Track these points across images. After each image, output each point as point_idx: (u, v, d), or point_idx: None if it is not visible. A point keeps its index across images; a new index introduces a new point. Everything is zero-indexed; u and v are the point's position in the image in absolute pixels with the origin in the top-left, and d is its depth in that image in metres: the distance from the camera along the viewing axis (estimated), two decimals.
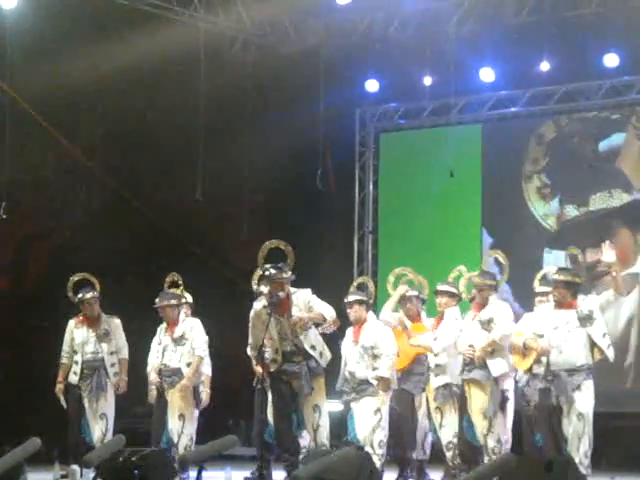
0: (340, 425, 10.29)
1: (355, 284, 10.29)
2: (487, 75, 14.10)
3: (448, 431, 9.56)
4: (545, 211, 14.17)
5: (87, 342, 10.71)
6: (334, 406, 11.39)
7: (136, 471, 7.83)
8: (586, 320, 8.84)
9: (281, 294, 9.41)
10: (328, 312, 9.45)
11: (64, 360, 10.79)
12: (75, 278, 10.76)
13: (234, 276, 12.66)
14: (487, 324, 9.29)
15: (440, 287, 9.85)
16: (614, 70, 13.47)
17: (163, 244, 14.17)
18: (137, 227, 14.17)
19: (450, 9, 13.68)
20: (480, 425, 9.18)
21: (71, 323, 10.84)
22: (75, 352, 10.73)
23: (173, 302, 10.31)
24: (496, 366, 9.21)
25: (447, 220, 14.56)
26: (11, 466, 7.98)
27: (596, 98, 13.86)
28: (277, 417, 9.54)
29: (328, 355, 9.61)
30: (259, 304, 9.56)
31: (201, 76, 13.36)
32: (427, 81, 14.40)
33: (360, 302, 9.83)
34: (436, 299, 9.91)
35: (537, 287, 9.97)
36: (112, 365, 10.70)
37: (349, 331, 9.93)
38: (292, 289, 9.52)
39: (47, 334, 11.03)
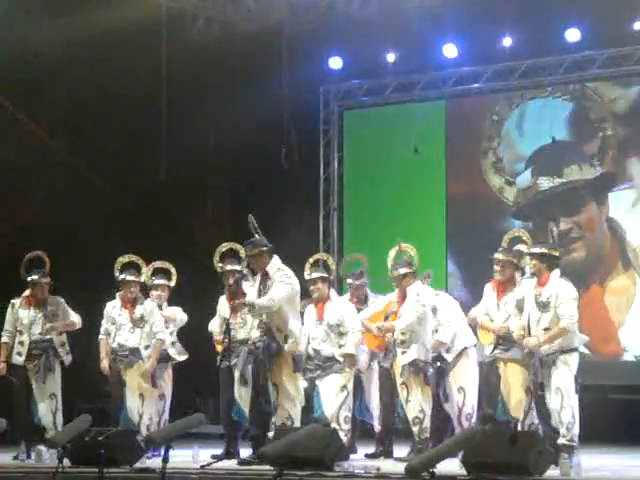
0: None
1: (311, 261, 10.23)
2: (450, 51, 14.13)
3: (414, 406, 9.61)
4: (501, 184, 14.26)
5: (34, 322, 10.55)
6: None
7: (102, 451, 7.82)
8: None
9: (246, 272, 9.41)
10: (261, 300, 9.17)
11: (5, 339, 10.61)
12: (31, 255, 10.63)
13: (199, 255, 12.63)
14: (545, 306, 9.05)
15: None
16: (576, 45, 13.53)
17: (127, 224, 14.12)
18: (101, 207, 14.11)
19: None
20: (523, 400, 9.16)
21: (15, 302, 10.67)
22: (20, 332, 10.56)
23: (141, 279, 10.34)
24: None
25: (412, 196, 14.61)
26: None
27: (558, 73, 13.92)
28: (252, 392, 9.51)
29: (294, 341, 9.32)
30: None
31: (163, 54, 13.29)
32: (390, 58, 14.42)
33: (324, 279, 9.83)
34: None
35: None
36: (62, 345, 10.61)
37: (310, 309, 9.92)
38: (278, 266, 9.28)
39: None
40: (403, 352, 9.67)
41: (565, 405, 8.78)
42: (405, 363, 9.64)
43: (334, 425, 9.46)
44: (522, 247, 9.97)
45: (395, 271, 9.86)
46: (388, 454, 10.28)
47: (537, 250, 9.04)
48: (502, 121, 14.31)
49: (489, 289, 9.55)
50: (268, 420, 9.46)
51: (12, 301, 10.71)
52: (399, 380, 9.72)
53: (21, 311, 10.63)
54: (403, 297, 9.84)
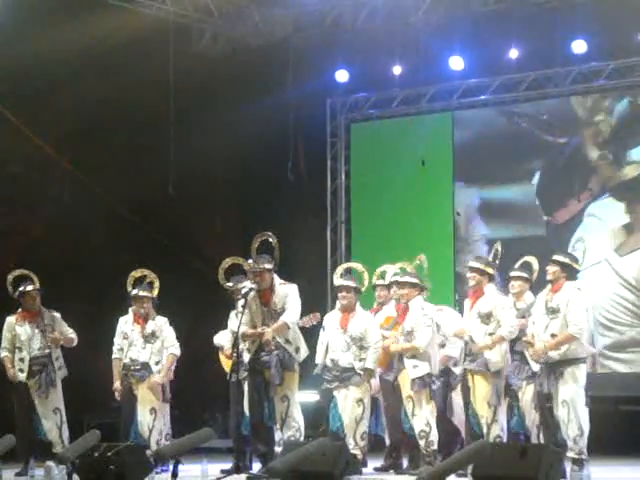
0: (316, 416, 10.30)
1: (345, 266, 10.18)
2: (456, 63, 14.13)
3: (420, 420, 9.57)
4: None
5: (32, 338, 10.53)
6: (309, 397, 11.40)
7: (112, 466, 7.81)
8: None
9: (253, 285, 9.43)
10: (290, 316, 9.41)
11: (5, 353, 10.56)
12: (15, 273, 10.61)
13: (207, 269, 12.63)
14: (486, 318, 9.27)
15: (401, 278, 9.81)
16: (582, 56, 13.52)
17: (135, 238, 14.13)
18: (109, 222, 14.12)
19: None
20: (485, 414, 9.19)
21: (10, 319, 10.63)
22: (19, 349, 10.54)
23: (154, 294, 10.32)
24: (493, 361, 9.23)
25: (419, 209, 14.60)
26: None
27: (564, 85, 13.91)
28: (251, 408, 9.57)
29: (304, 351, 9.61)
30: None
31: (170, 69, 13.32)
32: (397, 70, 14.43)
33: (356, 290, 9.75)
34: (397, 290, 9.83)
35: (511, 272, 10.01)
36: (56, 359, 10.58)
37: (333, 316, 9.82)
38: (280, 281, 9.53)
39: None
40: (415, 366, 9.60)
41: (572, 418, 8.74)
42: (416, 377, 9.58)
43: (350, 440, 9.45)
44: (531, 260, 9.96)
45: (400, 278, 9.82)
46: (398, 467, 10.25)
47: (561, 259, 9.07)
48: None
49: (466, 301, 9.59)
50: (272, 434, 9.51)
51: (8, 318, 10.68)
52: (405, 393, 9.66)
53: (18, 328, 10.59)
54: (404, 310, 9.79)
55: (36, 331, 10.55)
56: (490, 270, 9.40)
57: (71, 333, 10.65)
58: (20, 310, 10.66)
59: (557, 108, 14.00)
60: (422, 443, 9.56)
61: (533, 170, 14.06)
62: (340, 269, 10.07)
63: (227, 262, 10.40)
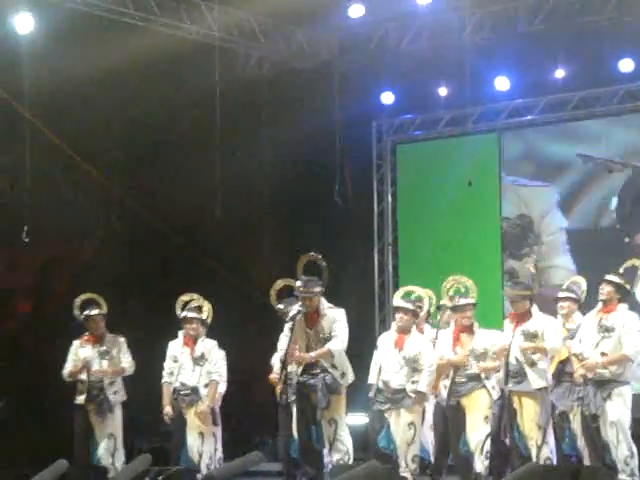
0: (364, 439, 10.26)
1: (407, 289, 10.20)
2: (502, 84, 14.12)
3: (488, 440, 9.50)
4: None
5: (92, 361, 10.67)
6: (358, 419, 11.36)
7: None
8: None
9: (302, 308, 9.46)
10: (337, 345, 9.40)
11: (69, 370, 10.70)
12: (82, 297, 10.77)
13: (255, 292, 12.68)
14: (532, 338, 9.23)
15: (463, 301, 9.73)
16: (629, 75, 13.45)
17: (183, 262, 14.20)
18: (157, 246, 14.21)
19: (463, 19, 13.71)
20: (535, 436, 9.14)
21: (76, 343, 10.78)
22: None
23: (202, 316, 10.35)
24: (537, 379, 9.19)
25: (466, 230, 14.56)
26: None
27: (612, 104, 13.83)
28: (299, 431, 9.57)
29: (350, 377, 9.59)
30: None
31: (217, 93, 13.41)
32: (442, 92, 14.44)
33: (414, 313, 9.79)
34: (459, 314, 9.74)
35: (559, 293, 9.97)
36: (111, 384, 10.67)
37: (388, 337, 9.79)
38: (328, 305, 9.55)
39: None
40: (493, 387, 9.56)
41: (621, 439, 8.71)
42: (496, 398, 9.56)
43: (402, 462, 9.42)
44: (580, 280, 9.91)
45: (463, 299, 9.74)
46: None
47: (616, 279, 9.09)
48: None
49: (507, 322, 9.55)
50: (321, 457, 9.50)
51: (74, 342, 10.82)
52: (482, 414, 9.50)
53: (80, 350, 10.73)
54: (462, 330, 9.73)
55: (96, 355, 10.65)
56: (529, 293, 9.39)
57: (125, 363, 10.73)
58: (86, 333, 10.76)
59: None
60: (486, 463, 9.46)
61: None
62: (401, 291, 10.14)
63: (279, 284, 10.43)
